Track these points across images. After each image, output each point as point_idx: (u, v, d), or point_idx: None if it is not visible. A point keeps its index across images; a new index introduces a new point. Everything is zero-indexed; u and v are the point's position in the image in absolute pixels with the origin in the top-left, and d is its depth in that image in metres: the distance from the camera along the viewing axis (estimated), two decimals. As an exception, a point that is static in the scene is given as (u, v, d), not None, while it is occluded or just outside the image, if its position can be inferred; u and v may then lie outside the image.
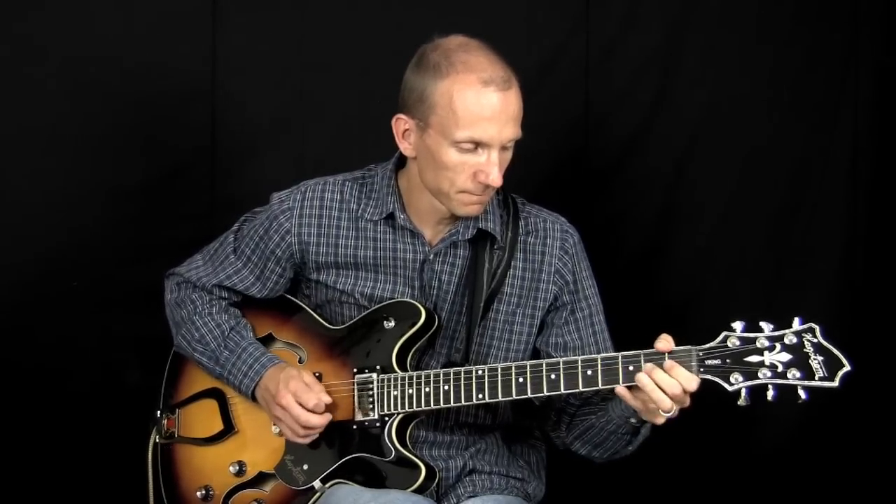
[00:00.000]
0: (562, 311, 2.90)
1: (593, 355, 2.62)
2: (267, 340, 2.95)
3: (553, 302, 2.91)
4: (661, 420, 2.60)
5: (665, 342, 2.57)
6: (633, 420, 2.71)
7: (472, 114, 2.66)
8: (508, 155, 2.74)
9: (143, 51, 3.64)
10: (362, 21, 3.72)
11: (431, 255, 2.86)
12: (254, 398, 2.87)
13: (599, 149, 3.79)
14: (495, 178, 2.69)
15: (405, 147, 2.81)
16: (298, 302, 2.98)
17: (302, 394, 2.75)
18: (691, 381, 2.53)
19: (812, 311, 2.56)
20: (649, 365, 2.55)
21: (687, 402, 2.58)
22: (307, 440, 2.80)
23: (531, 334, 2.91)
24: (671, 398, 2.53)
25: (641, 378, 2.54)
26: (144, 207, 3.70)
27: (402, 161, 2.89)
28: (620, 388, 2.58)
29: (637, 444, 2.82)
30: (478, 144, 2.68)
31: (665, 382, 2.53)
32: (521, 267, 2.89)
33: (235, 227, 3.02)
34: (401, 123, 2.79)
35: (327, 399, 2.77)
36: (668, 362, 2.54)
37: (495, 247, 2.88)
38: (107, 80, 3.65)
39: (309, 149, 3.72)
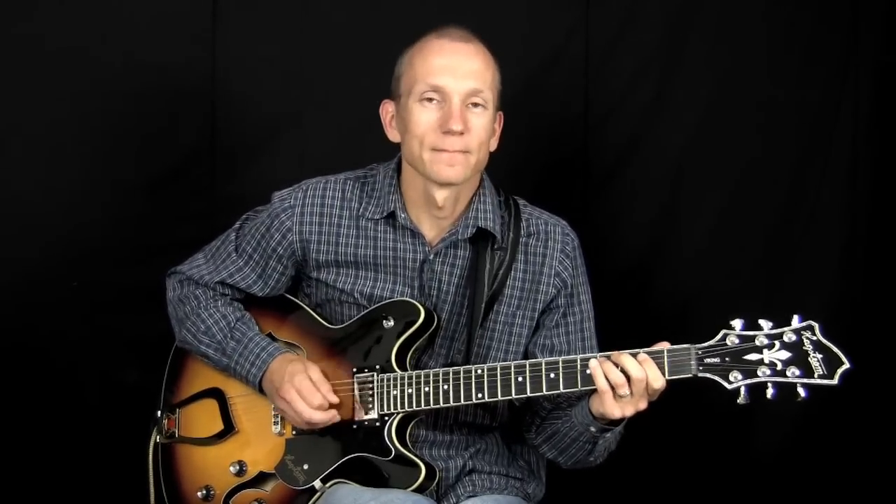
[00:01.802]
0: (554, 314, 2.91)
1: (592, 353, 2.62)
2: (267, 340, 2.96)
3: (548, 303, 2.91)
4: (617, 413, 2.60)
5: (663, 344, 2.60)
6: (592, 429, 2.72)
7: (428, 63, 2.75)
8: (480, 119, 2.75)
9: (143, 50, 3.65)
10: (362, 21, 3.73)
11: (431, 256, 2.87)
12: (261, 389, 2.87)
13: (599, 149, 3.79)
14: (456, 122, 2.70)
15: (391, 133, 2.85)
16: (298, 301, 2.98)
17: (307, 394, 2.75)
18: (658, 380, 2.56)
19: (812, 310, 2.56)
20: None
21: (643, 404, 2.60)
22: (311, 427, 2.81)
23: (529, 336, 2.91)
24: (632, 383, 2.56)
25: (595, 364, 2.59)
26: (145, 207, 3.71)
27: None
28: (593, 363, 2.59)
29: (599, 456, 2.83)
30: (437, 92, 2.73)
31: (632, 368, 2.56)
32: (521, 269, 2.90)
33: (237, 225, 3.02)
34: (387, 107, 2.86)
35: (333, 399, 2.77)
36: (641, 355, 2.57)
37: (496, 248, 2.88)
38: (107, 79, 3.65)
39: (309, 148, 3.72)
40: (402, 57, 2.82)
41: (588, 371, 2.60)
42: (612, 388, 2.58)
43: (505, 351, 2.89)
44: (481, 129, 2.75)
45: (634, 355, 2.58)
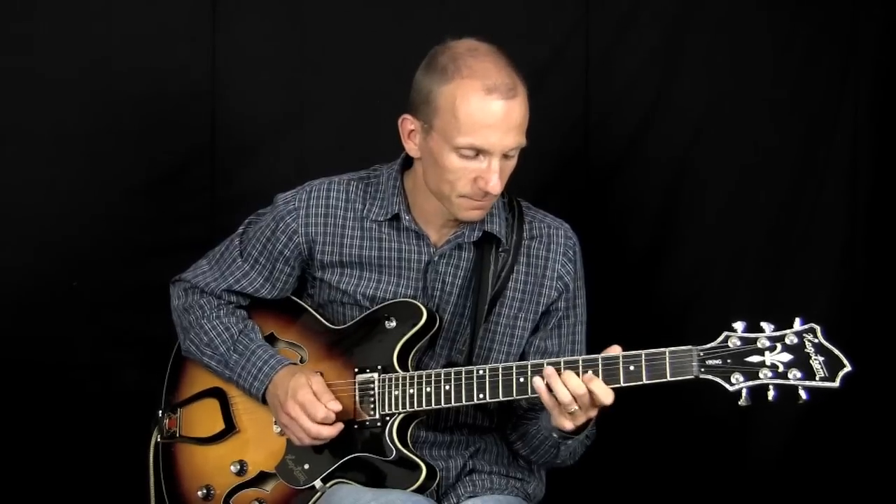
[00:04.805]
0: (552, 316, 2.91)
1: (594, 355, 2.62)
2: (269, 340, 2.95)
3: (549, 306, 2.91)
4: (568, 425, 2.62)
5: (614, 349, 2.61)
6: (554, 435, 2.73)
7: (474, 121, 2.66)
8: (511, 163, 2.74)
9: (143, 51, 3.64)
10: (362, 21, 3.71)
11: (436, 257, 2.87)
12: (264, 401, 2.87)
13: (599, 149, 3.79)
14: (495, 186, 2.69)
15: (410, 147, 2.81)
16: (301, 302, 2.98)
17: (310, 407, 2.75)
18: (607, 396, 2.57)
19: (812, 311, 2.56)
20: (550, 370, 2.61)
21: (593, 413, 2.61)
22: (316, 443, 2.81)
23: (529, 337, 2.92)
24: (576, 399, 2.57)
25: (547, 376, 2.59)
26: (144, 208, 3.70)
27: (407, 162, 2.89)
28: (537, 381, 2.60)
29: (567, 459, 2.86)
30: (479, 151, 2.68)
31: (574, 386, 2.57)
32: (523, 271, 2.90)
33: (240, 230, 3.01)
34: (407, 124, 2.79)
35: (337, 407, 2.76)
36: (588, 375, 2.58)
37: (500, 249, 2.88)
38: (107, 80, 3.65)
39: (309, 149, 3.72)
40: (437, 83, 2.69)
41: (589, 374, 2.59)
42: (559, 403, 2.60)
43: (507, 353, 2.89)
44: (510, 169, 2.74)
45: (589, 366, 2.58)
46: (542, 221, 2.94)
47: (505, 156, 2.70)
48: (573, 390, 2.57)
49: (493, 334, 2.89)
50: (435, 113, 2.70)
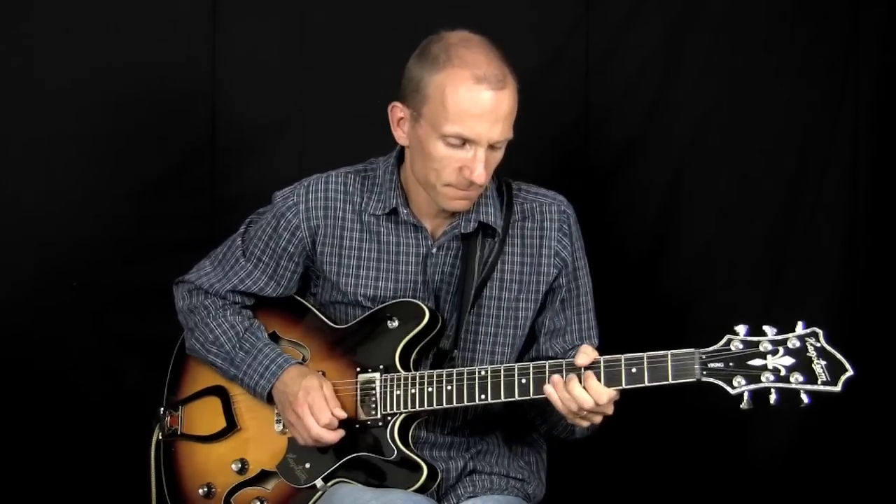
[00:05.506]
0: (557, 294, 2.92)
1: (598, 357, 2.62)
2: (272, 339, 2.96)
3: (551, 284, 2.92)
4: (586, 424, 2.66)
5: (584, 355, 2.62)
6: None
7: (462, 110, 2.67)
8: (498, 155, 2.75)
9: (143, 51, 3.64)
10: (362, 20, 3.72)
11: (434, 249, 2.87)
12: (269, 400, 2.88)
13: (599, 149, 3.79)
14: (480, 175, 2.69)
15: (399, 135, 2.82)
16: (303, 301, 2.99)
17: (317, 409, 2.76)
18: (605, 393, 2.58)
19: (812, 311, 2.57)
20: (557, 377, 2.62)
21: (608, 410, 2.63)
22: (316, 445, 2.82)
23: (534, 318, 2.93)
24: (586, 411, 2.60)
25: (550, 390, 2.61)
26: (144, 207, 3.70)
27: (403, 155, 2.90)
28: (547, 388, 2.62)
29: (584, 432, 2.85)
30: (465, 140, 2.69)
31: (581, 398, 2.58)
32: (518, 253, 2.90)
33: (241, 229, 3.02)
34: (396, 111, 2.81)
35: (341, 414, 2.78)
36: (586, 374, 2.59)
37: (495, 237, 2.89)
38: (107, 80, 3.65)
39: (309, 148, 3.72)
40: (428, 71, 2.71)
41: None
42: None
43: (512, 336, 2.90)
44: (497, 161, 2.75)
45: (591, 369, 2.59)
46: (533, 200, 2.95)
47: (491, 147, 2.71)
48: (578, 401, 2.58)
49: (496, 319, 2.89)
50: (424, 101, 2.71)
